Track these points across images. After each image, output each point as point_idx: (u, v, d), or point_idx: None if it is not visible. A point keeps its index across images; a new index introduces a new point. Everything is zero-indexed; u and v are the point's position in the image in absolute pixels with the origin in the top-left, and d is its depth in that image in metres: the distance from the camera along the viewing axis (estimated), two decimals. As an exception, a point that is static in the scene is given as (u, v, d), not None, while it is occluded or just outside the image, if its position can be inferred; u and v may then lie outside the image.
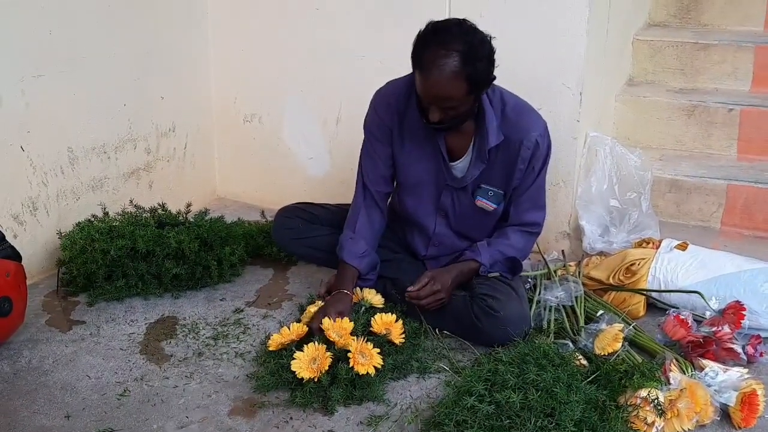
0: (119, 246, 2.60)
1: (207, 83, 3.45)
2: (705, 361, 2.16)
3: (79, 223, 2.76)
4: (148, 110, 3.17)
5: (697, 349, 2.22)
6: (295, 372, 2.09)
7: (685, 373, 2.08)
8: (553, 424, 1.83)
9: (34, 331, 2.47)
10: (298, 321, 2.34)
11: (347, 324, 2.19)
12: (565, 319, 2.37)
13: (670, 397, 1.96)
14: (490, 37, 2.14)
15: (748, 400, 2.00)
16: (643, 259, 2.60)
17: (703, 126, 3.30)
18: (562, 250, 2.83)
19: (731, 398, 2.03)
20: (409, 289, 2.34)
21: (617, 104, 3.39)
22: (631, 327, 2.30)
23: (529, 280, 2.57)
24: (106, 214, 2.84)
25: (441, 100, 2.13)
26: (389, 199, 2.56)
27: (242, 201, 3.55)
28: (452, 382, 2.09)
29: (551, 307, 2.41)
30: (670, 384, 2.02)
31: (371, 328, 2.24)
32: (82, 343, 2.40)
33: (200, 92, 3.43)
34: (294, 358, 2.11)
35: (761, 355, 2.26)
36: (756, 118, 3.22)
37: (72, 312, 2.59)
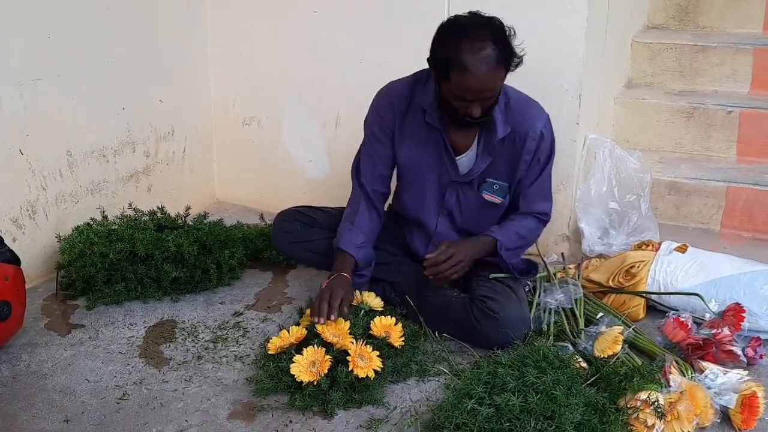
0: (118, 249, 2.60)
1: (206, 86, 3.45)
2: (705, 364, 2.16)
3: (78, 226, 2.76)
4: (147, 114, 3.17)
5: (696, 352, 2.21)
6: (294, 375, 2.09)
7: (685, 376, 2.08)
8: (553, 427, 1.83)
9: (33, 334, 2.46)
10: (298, 324, 2.33)
11: (343, 324, 2.19)
12: (565, 321, 2.37)
13: (670, 400, 1.96)
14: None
15: (748, 403, 2.00)
16: (643, 261, 2.60)
17: (703, 128, 3.30)
18: (562, 253, 2.82)
19: (731, 400, 2.02)
20: (427, 255, 2.31)
21: (616, 107, 3.39)
22: (630, 329, 2.29)
23: (529, 282, 2.56)
24: (105, 217, 2.83)
25: (487, 92, 2.15)
26: (387, 202, 2.56)
27: (241, 204, 3.55)
28: (452, 385, 2.09)
29: (551, 309, 2.41)
30: (670, 386, 2.01)
31: (370, 331, 2.24)
32: (81, 347, 2.40)
33: (199, 96, 3.43)
34: (293, 362, 2.11)
35: (761, 357, 2.26)
36: (755, 120, 3.22)
37: (71, 316, 2.59)
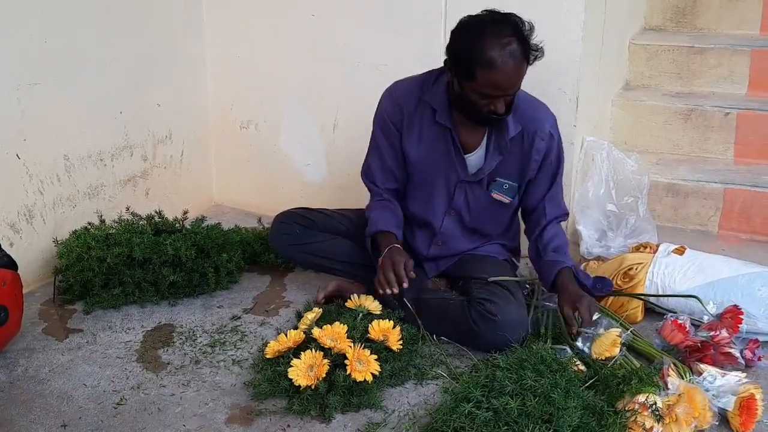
0: (116, 254, 2.59)
1: (203, 90, 3.45)
2: (703, 366, 2.16)
3: (75, 231, 2.76)
4: (145, 117, 3.17)
5: (695, 354, 2.21)
6: (292, 379, 2.09)
7: (683, 378, 2.08)
8: (551, 430, 1.83)
9: (31, 339, 2.46)
10: (296, 328, 2.33)
11: (340, 328, 2.19)
12: (563, 324, 2.36)
13: (668, 402, 1.95)
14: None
15: (746, 405, 1.99)
16: (641, 263, 2.60)
17: (700, 130, 3.31)
18: (560, 255, 2.82)
19: (729, 403, 2.02)
20: (582, 329, 2.22)
21: (614, 109, 3.40)
22: (629, 332, 2.29)
23: (527, 285, 2.56)
24: (102, 221, 2.83)
25: (514, 87, 2.18)
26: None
27: (239, 208, 3.55)
28: (450, 389, 2.09)
29: (549, 312, 2.41)
30: (668, 389, 2.01)
31: (368, 335, 2.23)
32: (78, 352, 2.39)
33: (197, 99, 3.43)
34: (291, 366, 2.11)
35: (759, 359, 2.26)
36: (753, 122, 3.23)
37: (68, 320, 2.58)
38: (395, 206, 2.49)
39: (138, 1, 3.04)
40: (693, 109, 3.30)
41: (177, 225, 2.86)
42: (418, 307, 2.41)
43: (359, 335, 2.22)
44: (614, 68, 3.42)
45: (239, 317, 2.61)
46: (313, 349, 2.14)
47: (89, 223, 2.81)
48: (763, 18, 3.58)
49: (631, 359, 2.18)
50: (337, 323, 2.21)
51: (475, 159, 2.39)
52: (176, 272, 2.66)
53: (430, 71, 2.40)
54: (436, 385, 2.20)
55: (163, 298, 2.68)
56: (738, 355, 2.22)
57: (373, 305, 2.41)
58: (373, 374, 2.10)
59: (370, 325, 2.26)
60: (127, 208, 2.91)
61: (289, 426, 2.04)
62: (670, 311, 2.45)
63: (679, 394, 1.97)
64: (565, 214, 2.51)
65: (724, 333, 2.24)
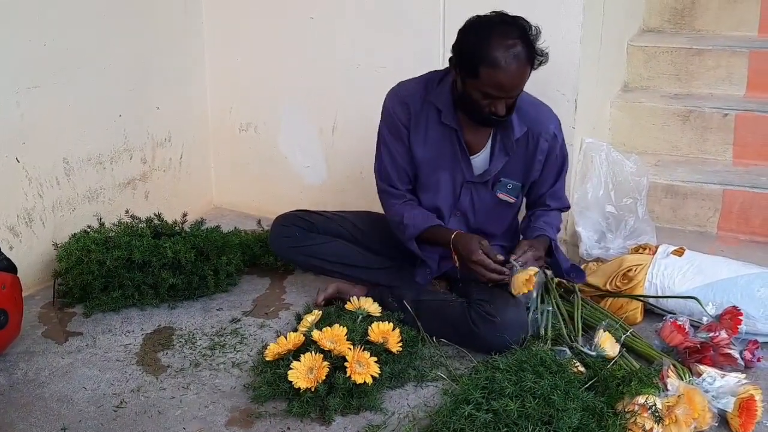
0: (115, 256, 2.59)
1: (203, 93, 3.45)
2: (702, 367, 2.16)
3: (74, 234, 2.76)
4: (144, 120, 3.17)
5: (694, 355, 2.22)
6: (292, 382, 2.09)
7: (682, 379, 2.08)
8: (551, 431, 1.83)
9: (30, 342, 2.46)
10: (295, 330, 2.33)
11: (340, 330, 2.19)
12: (563, 325, 2.37)
13: (667, 404, 1.95)
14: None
15: (746, 406, 1.99)
16: (640, 264, 2.60)
17: (699, 131, 3.31)
18: (559, 257, 2.82)
19: (729, 404, 2.03)
20: (512, 259, 2.28)
21: (612, 110, 3.40)
22: (628, 333, 2.30)
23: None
24: (102, 224, 2.83)
25: (516, 90, 2.19)
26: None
27: (239, 210, 3.55)
28: (449, 391, 2.09)
29: (548, 313, 2.40)
30: (667, 390, 2.01)
31: (368, 337, 2.23)
32: (78, 355, 2.40)
33: (196, 102, 3.43)
34: (291, 368, 2.11)
35: (759, 360, 2.26)
36: (751, 123, 3.23)
37: (68, 323, 2.58)
38: (417, 204, 2.47)
39: (137, 5, 3.04)
40: (691, 111, 3.30)
41: (176, 228, 2.86)
42: (417, 309, 2.41)
43: (359, 337, 2.22)
44: (613, 70, 3.43)
45: (239, 320, 2.61)
46: (313, 352, 2.14)
47: (89, 227, 2.81)
48: (762, 19, 3.59)
49: (630, 360, 2.18)
50: (336, 325, 2.21)
51: (480, 160, 2.40)
52: (176, 275, 2.66)
53: (434, 71, 2.40)
54: (436, 386, 2.20)
55: (162, 301, 2.68)
56: (737, 356, 2.23)
57: (372, 307, 2.41)
58: (372, 376, 2.10)
59: (369, 327, 2.26)
60: (127, 211, 2.91)
61: (289, 428, 2.04)
62: (670, 312, 2.45)
63: (679, 396, 1.97)
64: (566, 207, 2.55)
65: (724, 334, 2.24)
